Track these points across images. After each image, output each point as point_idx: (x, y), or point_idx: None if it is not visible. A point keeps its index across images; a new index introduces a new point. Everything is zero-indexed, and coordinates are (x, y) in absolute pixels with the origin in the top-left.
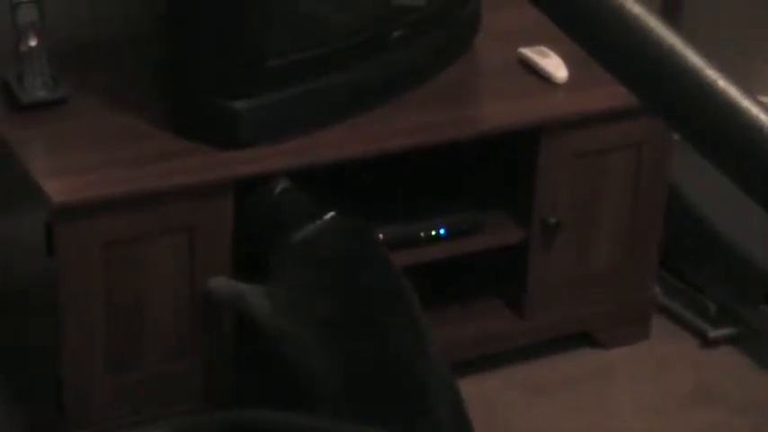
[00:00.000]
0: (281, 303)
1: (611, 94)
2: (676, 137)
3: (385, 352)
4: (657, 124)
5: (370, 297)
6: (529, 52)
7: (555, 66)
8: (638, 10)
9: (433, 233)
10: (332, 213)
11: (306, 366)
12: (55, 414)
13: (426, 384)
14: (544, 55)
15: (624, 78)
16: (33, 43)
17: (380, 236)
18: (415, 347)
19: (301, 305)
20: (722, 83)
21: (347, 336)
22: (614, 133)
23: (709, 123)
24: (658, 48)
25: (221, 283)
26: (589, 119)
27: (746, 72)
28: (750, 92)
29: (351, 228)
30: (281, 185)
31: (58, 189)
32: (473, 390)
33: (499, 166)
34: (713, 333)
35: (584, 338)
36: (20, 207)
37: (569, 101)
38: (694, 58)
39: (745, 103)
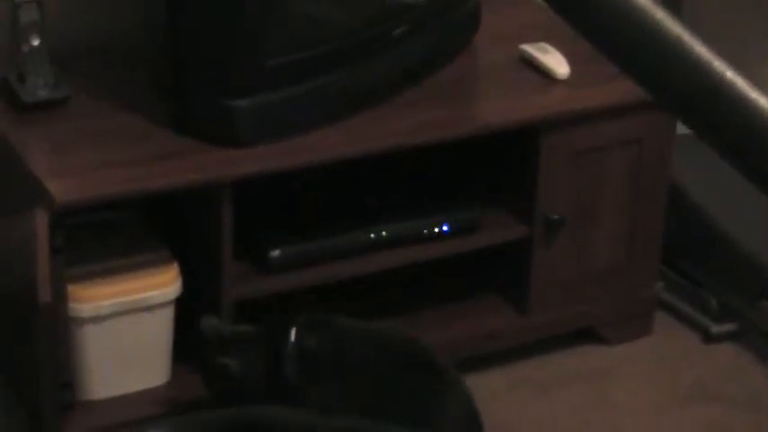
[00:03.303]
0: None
1: (612, 90)
2: (678, 132)
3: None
4: (659, 120)
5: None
6: (530, 49)
7: (556, 62)
8: (644, 2)
9: (436, 231)
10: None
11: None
12: (59, 415)
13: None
14: (545, 51)
15: (631, 71)
16: (35, 43)
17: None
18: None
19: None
20: (729, 74)
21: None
22: (616, 129)
23: (718, 115)
24: (665, 40)
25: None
26: (590, 115)
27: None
28: (756, 85)
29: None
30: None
31: (60, 189)
32: (476, 387)
33: (501, 163)
34: (715, 329)
35: (587, 335)
36: (22, 206)
37: (571, 97)
38: (701, 51)
39: (753, 95)
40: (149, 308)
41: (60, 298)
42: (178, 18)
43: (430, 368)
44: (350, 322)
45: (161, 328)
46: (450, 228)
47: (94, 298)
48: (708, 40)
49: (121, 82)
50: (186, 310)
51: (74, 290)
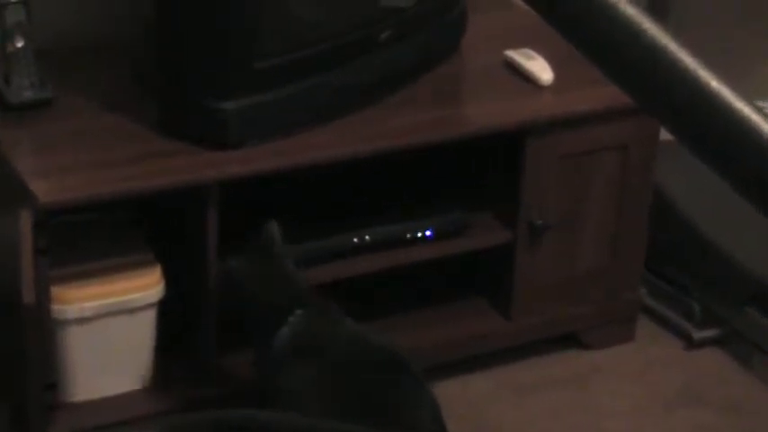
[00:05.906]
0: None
1: (596, 95)
2: (661, 138)
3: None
4: (643, 126)
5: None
6: (514, 54)
7: (540, 68)
8: (631, 11)
9: (420, 234)
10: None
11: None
12: (44, 416)
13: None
14: (529, 57)
15: (618, 79)
16: (20, 44)
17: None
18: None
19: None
20: (715, 83)
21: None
22: (599, 135)
23: (702, 124)
24: (651, 48)
25: None
26: (574, 120)
27: (746, 69)
28: (742, 93)
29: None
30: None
31: (45, 189)
32: (459, 391)
33: (485, 168)
34: (698, 335)
35: (570, 340)
36: (6, 207)
37: (555, 103)
38: (688, 59)
39: (738, 104)
40: (132, 310)
41: (44, 299)
42: (166, 19)
43: (404, 373)
44: (343, 318)
45: (144, 330)
46: (434, 233)
47: (78, 299)
48: (707, 41)
49: (108, 82)
50: (171, 313)
51: (57, 291)
